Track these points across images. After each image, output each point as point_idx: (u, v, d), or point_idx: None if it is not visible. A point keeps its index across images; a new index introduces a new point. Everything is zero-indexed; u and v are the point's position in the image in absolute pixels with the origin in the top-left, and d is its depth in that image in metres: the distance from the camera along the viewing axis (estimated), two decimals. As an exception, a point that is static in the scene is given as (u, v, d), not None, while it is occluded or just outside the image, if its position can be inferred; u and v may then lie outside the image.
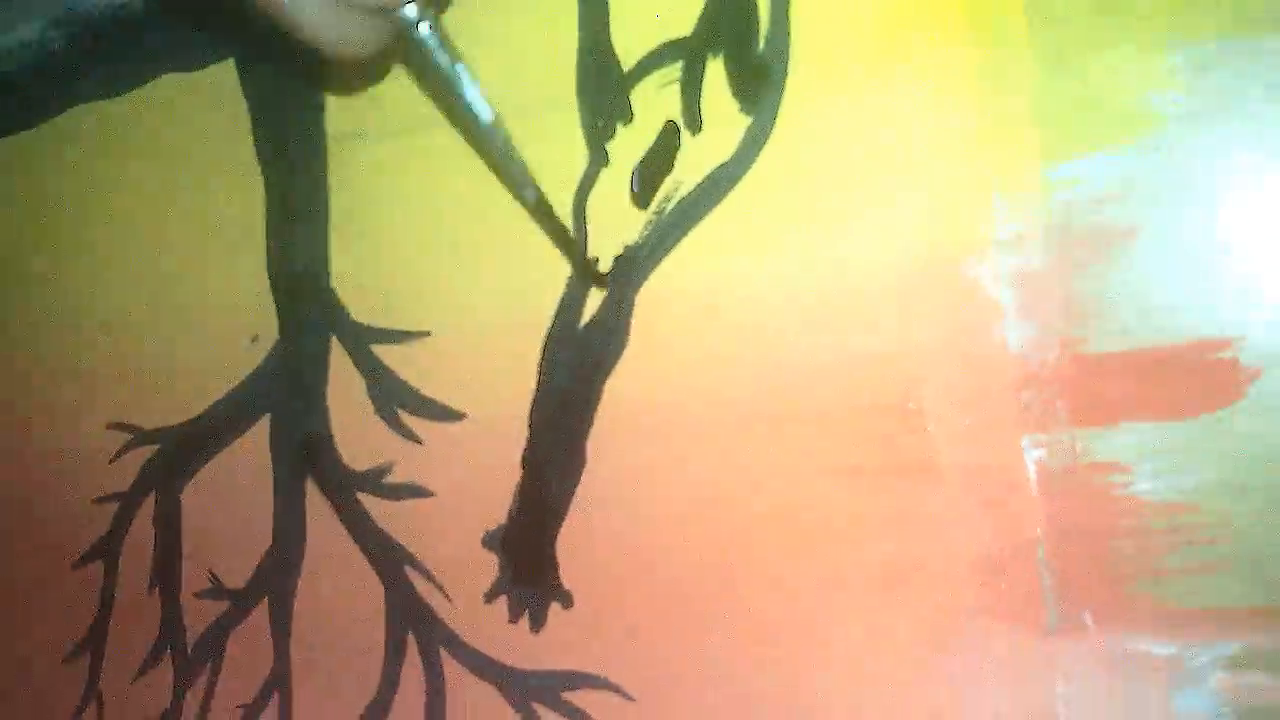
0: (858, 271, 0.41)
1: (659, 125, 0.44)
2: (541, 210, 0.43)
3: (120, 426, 0.56)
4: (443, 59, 0.39)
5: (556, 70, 0.46)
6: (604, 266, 0.45)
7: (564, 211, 0.45)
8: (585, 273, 0.45)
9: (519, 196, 0.44)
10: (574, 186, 0.45)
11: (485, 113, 0.40)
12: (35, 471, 0.58)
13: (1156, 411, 0.37)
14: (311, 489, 0.51)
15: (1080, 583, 0.38)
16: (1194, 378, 0.37)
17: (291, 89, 0.52)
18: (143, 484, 0.56)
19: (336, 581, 0.51)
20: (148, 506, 0.56)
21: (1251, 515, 0.36)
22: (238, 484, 0.53)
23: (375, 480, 0.49)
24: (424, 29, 0.38)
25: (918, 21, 0.40)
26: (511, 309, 0.46)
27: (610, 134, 0.45)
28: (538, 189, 0.43)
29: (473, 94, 0.40)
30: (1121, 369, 0.38)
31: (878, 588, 0.41)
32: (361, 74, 0.51)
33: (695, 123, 0.43)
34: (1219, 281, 0.37)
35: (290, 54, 0.47)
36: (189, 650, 0.54)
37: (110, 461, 0.56)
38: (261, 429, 0.53)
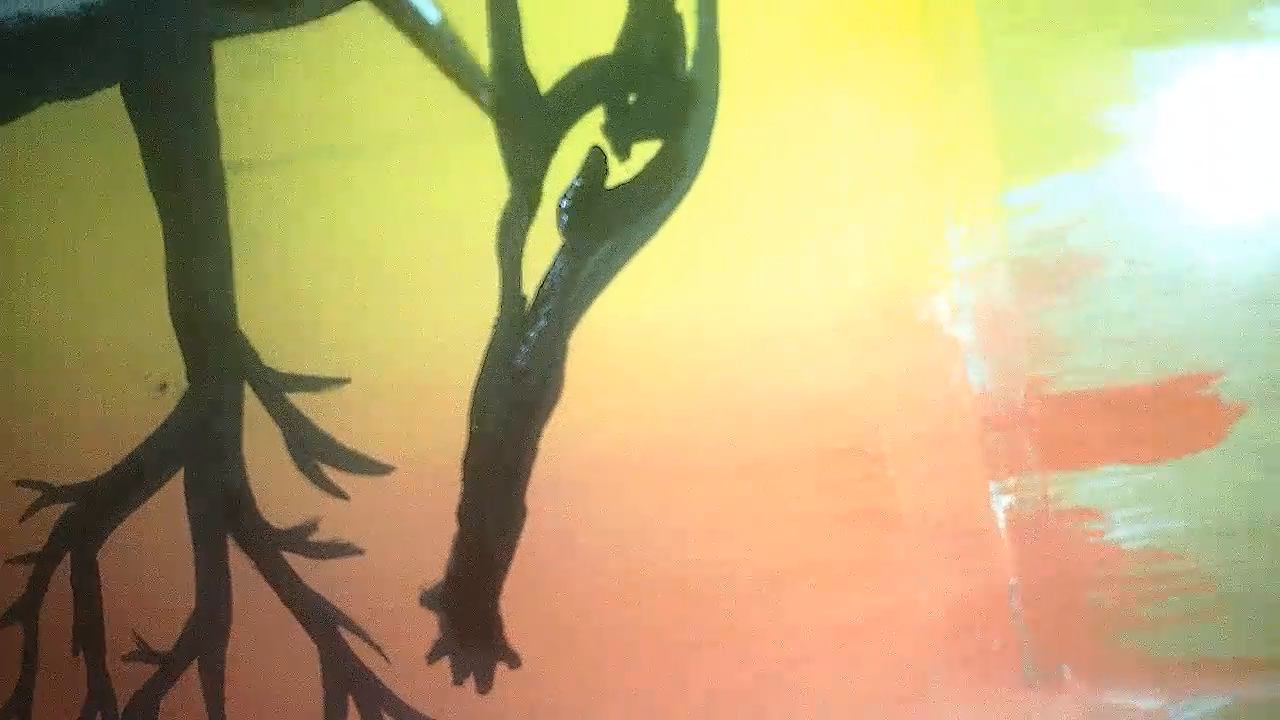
0: (806, 307, 0.38)
1: (582, 152, 0.41)
2: (499, 112, 0.40)
3: (28, 483, 0.52)
4: None
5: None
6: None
7: (487, 249, 0.42)
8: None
9: (475, 100, 0.41)
10: (495, 222, 0.41)
11: (431, 14, 0.37)
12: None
13: (1132, 454, 0.35)
14: (233, 547, 0.48)
15: (1057, 634, 0.36)
16: (1171, 417, 0.35)
17: (185, 115, 0.48)
18: (56, 543, 0.52)
19: (268, 644, 0.48)
20: (64, 565, 0.53)
21: (1237, 562, 0.34)
22: (156, 542, 0.50)
23: (300, 538, 0.46)
24: None
25: (861, 36, 0.37)
26: (436, 353, 0.43)
27: (531, 163, 0.41)
28: (493, 90, 0.40)
29: None
30: (1093, 409, 0.35)
31: (843, 640, 0.39)
32: (259, 94, 0.47)
33: (623, 148, 0.40)
34: (1195, 313, 0.34)
35: (184, 79, 0.44)
36: (119, 717, 0.51)
37: (20, 520, 0.53)
38: (176, 484, 0.49)
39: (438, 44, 0.38)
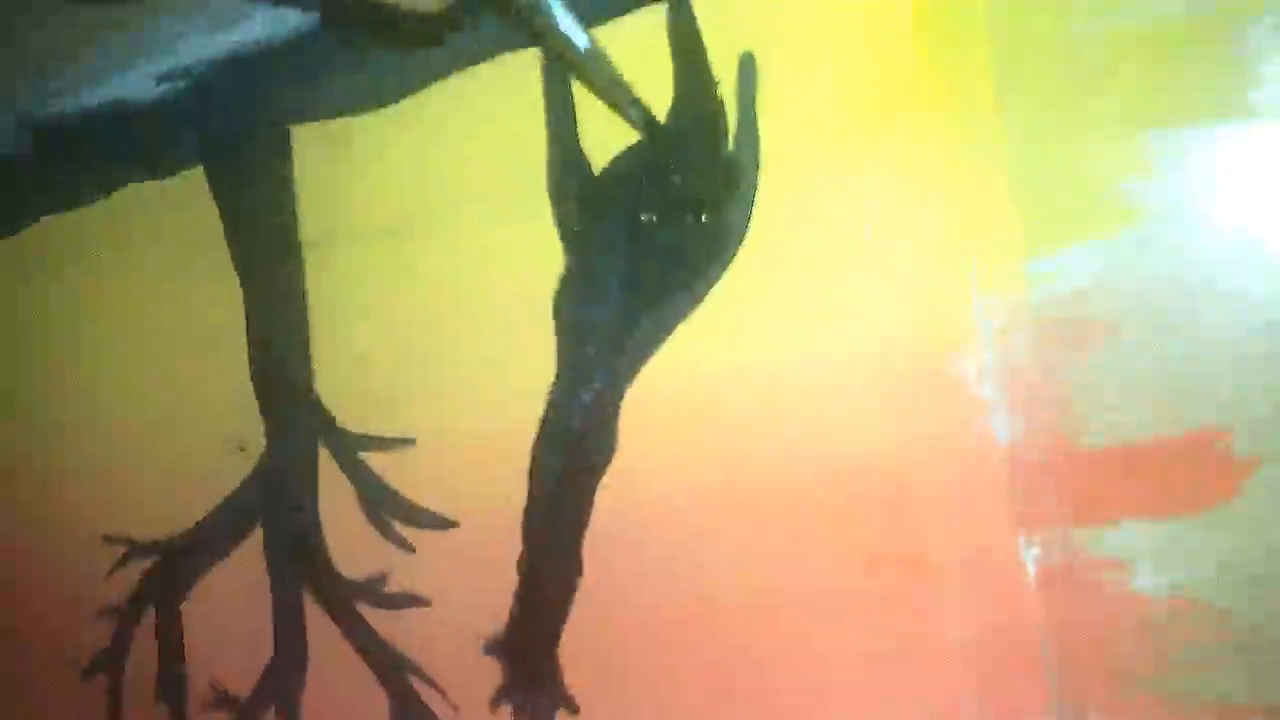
0: (842, 369, 0.40)
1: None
2: (648, 126, 0.43)
3: (115, 539, 0.55)
4: None
5: (530, 172, 0.45)
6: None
7: (544, 317, 0.44)
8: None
9: (625, 117, 0.43)
10: (551, 292, 0.44)
11: (581, 39, 0.40)
12: (38, 586, 0.58)
13: (1152, 507, 0.37)
14: (309, 599, 0.50)
15: (1084, 679, 0.38)
16: (1187, 472, 0.36)
17: (263, 195, 0.52)
18: (141, 598, 0.55)
19: (341, 690, 0.50)
20: (149, 618, 0.55)
21: (1258, 610, 0.36)
22: (236, 594, 0.52)
23: (372, 589, 0.49)
24: None
25: (890, 117, 0.40)
26: (498, 415, 0.46)
27: (584, 234, 0.44)
28: (643, 107, 0.42)
29: (567, 23, 0.39)
30: (1114, 464, 0.37)
31: (881, 681, 0.40)
32: (332, 176, 0.50)
33: (672, 222, 0.43)
34: (1206, 374, 0.36)
35: (262, 161, 0.47)
36: (200, 760, 0.54)
37: (108, 575, 0.56)
38: (255, 539, 0.52)
39: (590, 68, 0.41)
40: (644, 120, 0.42)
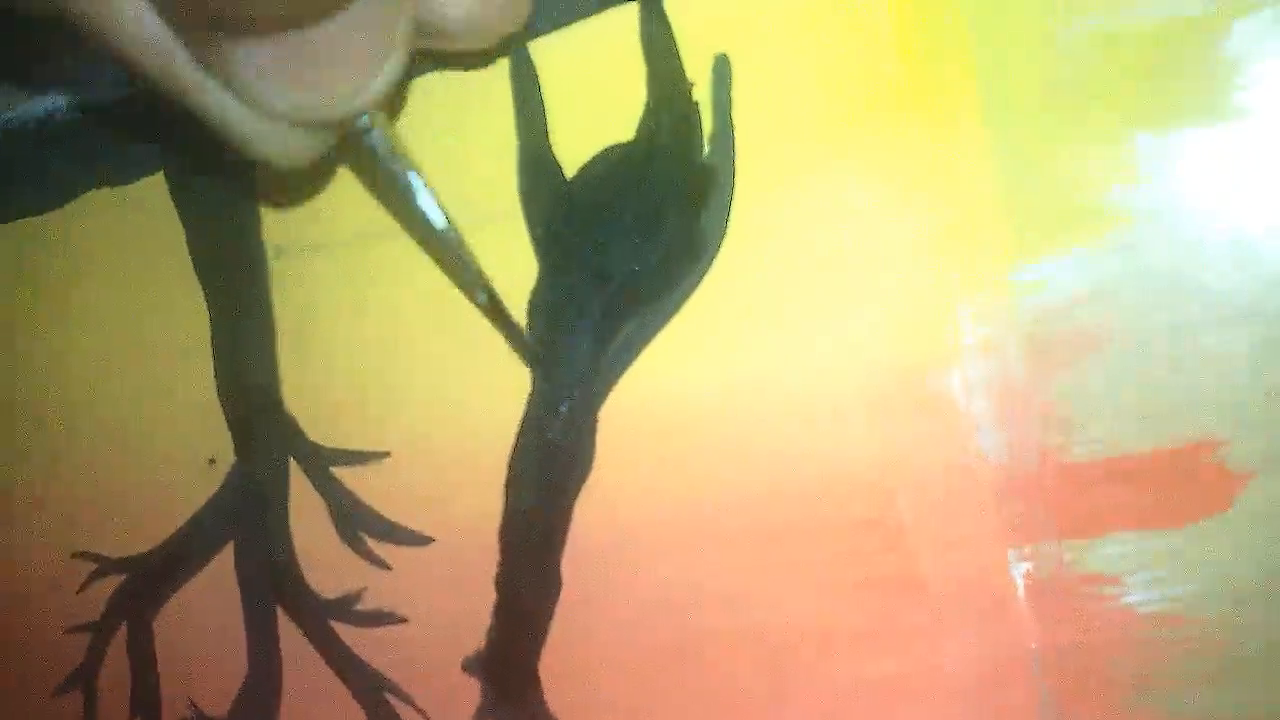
0: (823, 383, 0.39)
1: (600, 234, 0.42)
2: (495, 311, 0.42)
3: (85, 556, 0.54)
4: (395, 166, 0.38)
5: (504, 175, 0.44)
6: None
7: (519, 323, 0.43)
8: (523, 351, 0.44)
9: (471, 298, 0.43)
10: (526, 302, 0.43)
11: (438, 219, 0.39)
12: (5, 602, 0.57)
13: (1144, 520, 0.36)
14: (283, 616, 0.49)
15: (1078, 698, 0.37)
16: (1180, 485, 0.35)
17: (226, 202, 0.50)
18: (113, 614, 0.54)
19: (317, 710, 0.49)
20: (121, 634, 0.54)
21: (1248, 625, 0.35)
22: (208, 612, 0.51)
23: (346, 607, 0.48)
24: (375, 137, 0.37)
25: (869, 119, 0.38)
26: (473, 428, 0.45)
27: (556, 240, 0.43)
28: (490, 290, 0.41)
29: (425, 200, 0.39)
30: (1105, 477, 0.36)
31: (869, 708, 0.39)
32: (298, 184, 0.49)
33: (645, 230, 0.41)
34: (1198, 384, 0.35)
35: (223, 165, 0.45)
36: (176, 779, 0.53)
37: (78, 592, 0.55)
38: (227, 555, 0.51)
39: (443, 246, 0.41)
40: (489, 306, 0.42)
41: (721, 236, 0.40)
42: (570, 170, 0.43)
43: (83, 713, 0.56)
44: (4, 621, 0.57)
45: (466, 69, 0.44)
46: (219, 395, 0.51)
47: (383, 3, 0.33)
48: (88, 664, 0.55)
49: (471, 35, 0.38)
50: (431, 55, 0.42)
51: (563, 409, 0.42)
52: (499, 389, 0.44)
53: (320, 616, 0.49)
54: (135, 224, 0.53)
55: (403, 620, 0.47)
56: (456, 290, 0.44)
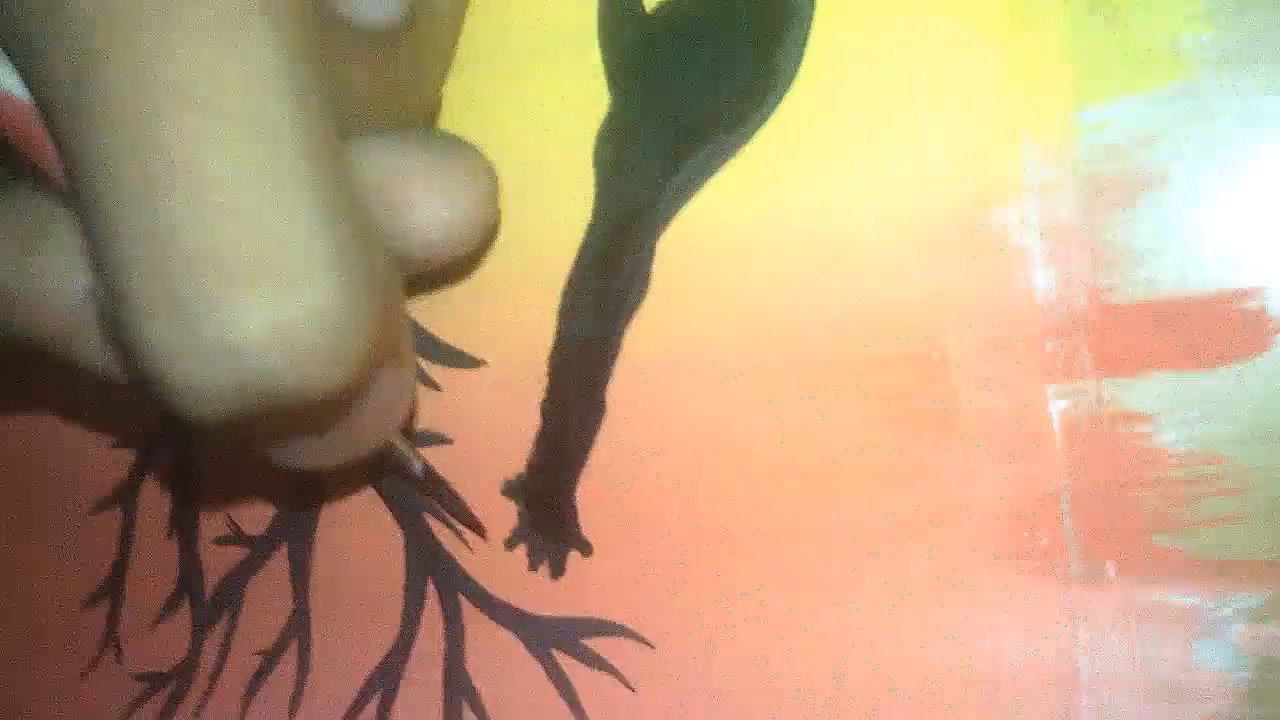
0: (883, 217, 0.40)
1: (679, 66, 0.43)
2: (430, 484, 0.47)
3: (136, 373, 0.55)
4: None
5: (578, 7, 0.45)
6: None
7: (585, 154, 0.44)
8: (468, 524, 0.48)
9: (408, 472, 0.46)
10: (595, 130, 0.44)
11: (417, 468, 0.45)
12: (51, 417, 0.58)
13: (1183, 361, 0.37)
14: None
15: (1103, 533, 0.38)
16: (1219, 328, 0.36)
17: None
18: (159, 431, 0.56)
19: (356, 528, 0.51)
20: (164, 453, 0.56)
21: (1274, 467, 0.36)
22: (254, 430, 0.52)
23: (392, 426, 0.49)
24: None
25: (947, -41, 0.39)
26: (530, 254, 0.46)
27: (633, 74, 0.44)
28: (425, 465, 0.46)
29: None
30: (1148, 318, 0.37)
31: (899, 537, 0.41)
32: None
33: (723, 62, 0.43)
34: (1246, 232, 0.36)
35: None
36: (208, 597, 0.54)
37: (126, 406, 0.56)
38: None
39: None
40: (424, 478, 0.46)
41: (795, 73, 0.41)
42: (651, 3, 0.43)
43: (120, 529, 0.57)
44: (50, 434, 0.58)
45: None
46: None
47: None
48: (130, 480, 0.56)
49: (452, 244, 0.37)
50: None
51: (622, 238, 0.44)
52: (556, 216, 0.45)
53: (365, 435, 0.50)
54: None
55: (448, 442, 0.48)
56: (521, 113, 0.45)
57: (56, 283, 0.30)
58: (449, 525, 0.48)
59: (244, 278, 0.25)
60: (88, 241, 0.28)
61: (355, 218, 0.29)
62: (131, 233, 0.25)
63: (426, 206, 0.35)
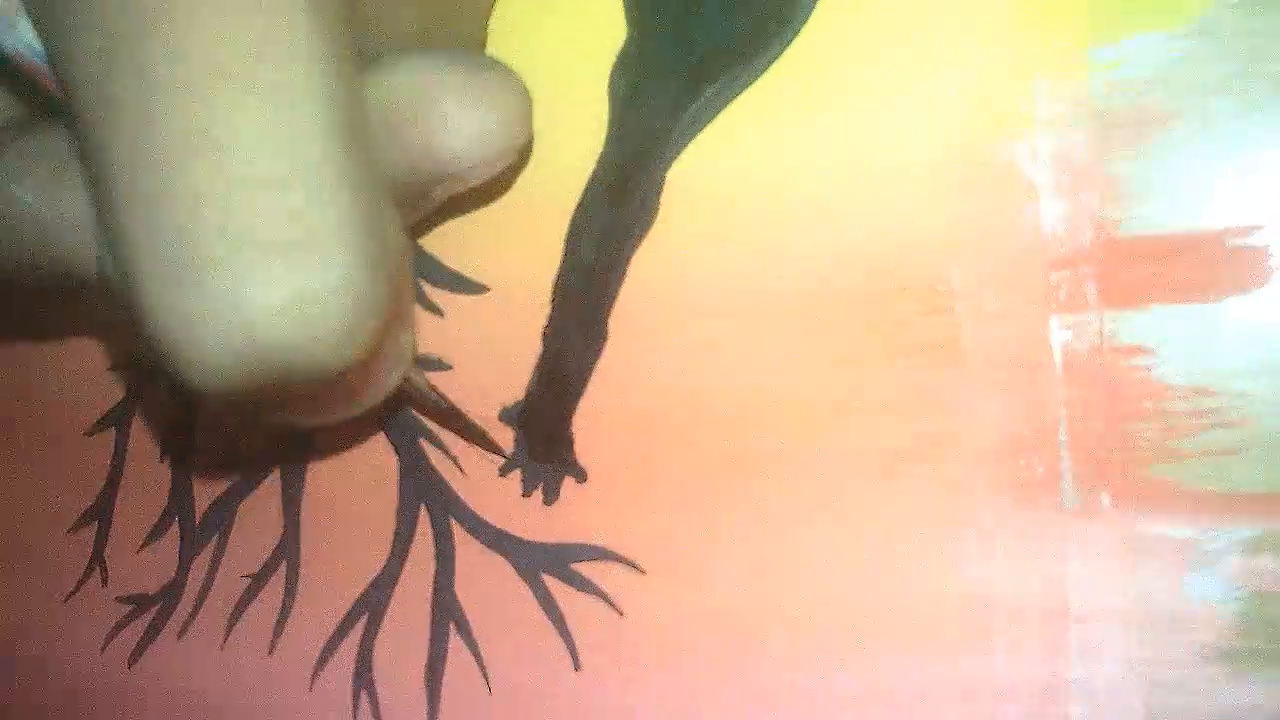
0: (893, 150, 0.41)
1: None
2: (453, 414, 0.47)
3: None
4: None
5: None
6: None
7: (599, 84, 0.44)
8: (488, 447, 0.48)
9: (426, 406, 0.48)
10: (609, 62, 0.44)
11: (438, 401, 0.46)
12: (51, 339, 0.58)
13: (1185, 294, 0.37)
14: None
15: (1099, 464, 0.38)
16: (1221, 262, 0.37)
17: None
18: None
19: (350, 452, 0.51)
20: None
21: (1273, 400, 0.36)
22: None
23: (392, 350, 0.49)
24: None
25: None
26: (538, 179, 0.46)
27: (650, 4, 0.44)
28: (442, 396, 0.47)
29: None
30: (1154, 252, 0.38)
31: (896, 467, 0.41)
32: None
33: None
34: (1255, 171, 0.37)
35: None
36: (197, 520, 0.54)
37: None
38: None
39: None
40: (448, 410, 0.47)
41: (812, 7, 0.41)
42: (668, -63, 0.44)
43: (114, 450, 0.57)
44: (50, 355, 0.58)
45: None
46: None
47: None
48: (126, 401, 0.56)
49: (485, 162, 0.36)
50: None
51: (633, 166, 0.44)
52: (567, 145, 0.45)
53: (365, 358, 0.50)
54: None
55: (447, 367, 0.48)
56: (535, 42, 0.45)
57: (86, 210, 0.30)
58: (443, 450, 0.48)
59: (266, 250, 0.25)
60: (97, 211, 0.27)
61: (376, 191, 0.30)
62: (151, 200, 0.25)
63: (462, 123, 0.35)
